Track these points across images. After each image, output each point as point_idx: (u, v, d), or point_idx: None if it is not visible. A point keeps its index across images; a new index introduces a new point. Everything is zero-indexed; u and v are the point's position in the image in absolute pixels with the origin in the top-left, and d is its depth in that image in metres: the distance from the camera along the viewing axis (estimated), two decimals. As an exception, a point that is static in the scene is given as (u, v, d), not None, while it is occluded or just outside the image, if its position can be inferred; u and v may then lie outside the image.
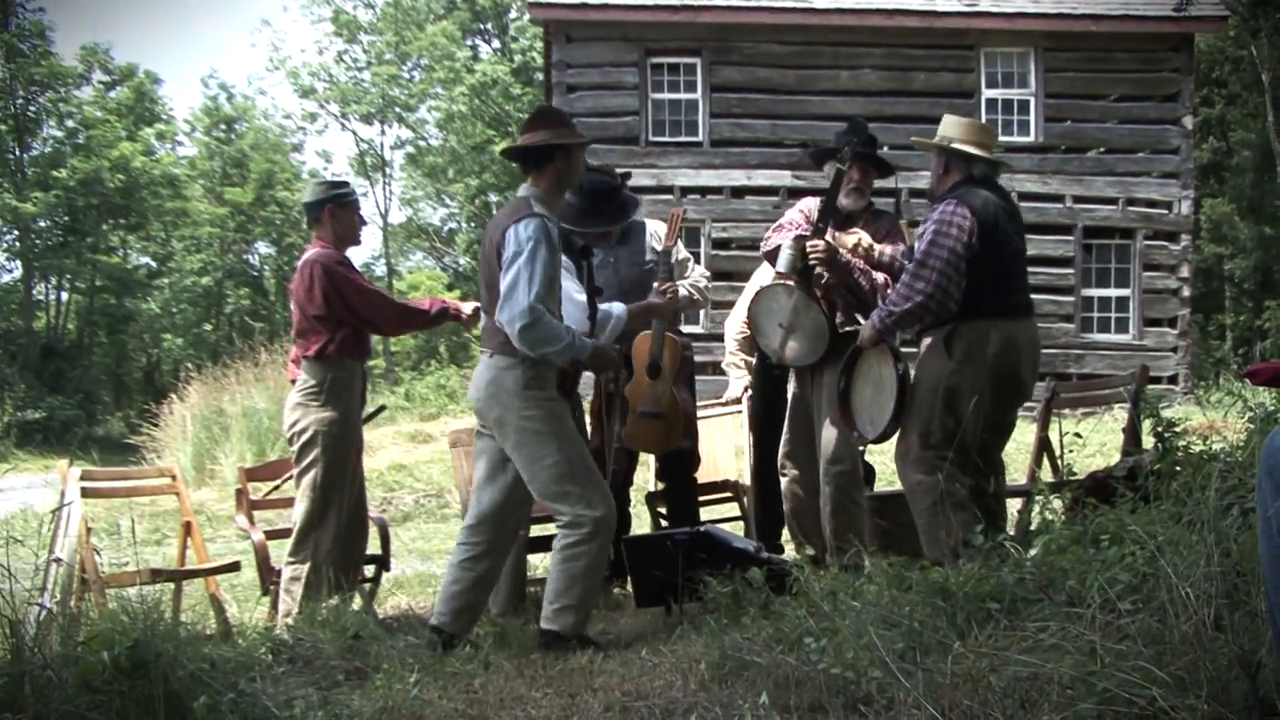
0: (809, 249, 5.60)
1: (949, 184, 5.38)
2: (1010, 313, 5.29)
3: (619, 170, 6.40)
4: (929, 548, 5.16)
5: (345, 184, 6.23)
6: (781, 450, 6.07)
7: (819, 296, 5.71)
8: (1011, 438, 5.71)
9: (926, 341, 5.37)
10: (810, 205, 5.98)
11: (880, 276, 5.62)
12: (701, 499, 6.74)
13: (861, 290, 5.65)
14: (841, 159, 5.64)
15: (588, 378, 5.48)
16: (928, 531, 5.20)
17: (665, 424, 6.05)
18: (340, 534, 5.69)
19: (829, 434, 5.76)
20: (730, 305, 7.41)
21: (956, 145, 5.40)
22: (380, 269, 44.99)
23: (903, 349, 5.56)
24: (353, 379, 5.82)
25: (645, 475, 7.24)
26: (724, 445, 7.56)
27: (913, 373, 5.41)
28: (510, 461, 4.96)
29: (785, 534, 6.62)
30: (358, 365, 5.89)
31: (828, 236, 5.65)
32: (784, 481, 6.06)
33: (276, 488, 6.63)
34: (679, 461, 6.35)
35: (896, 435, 5.43)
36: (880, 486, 7.03)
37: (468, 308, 5.96)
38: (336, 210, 5.88)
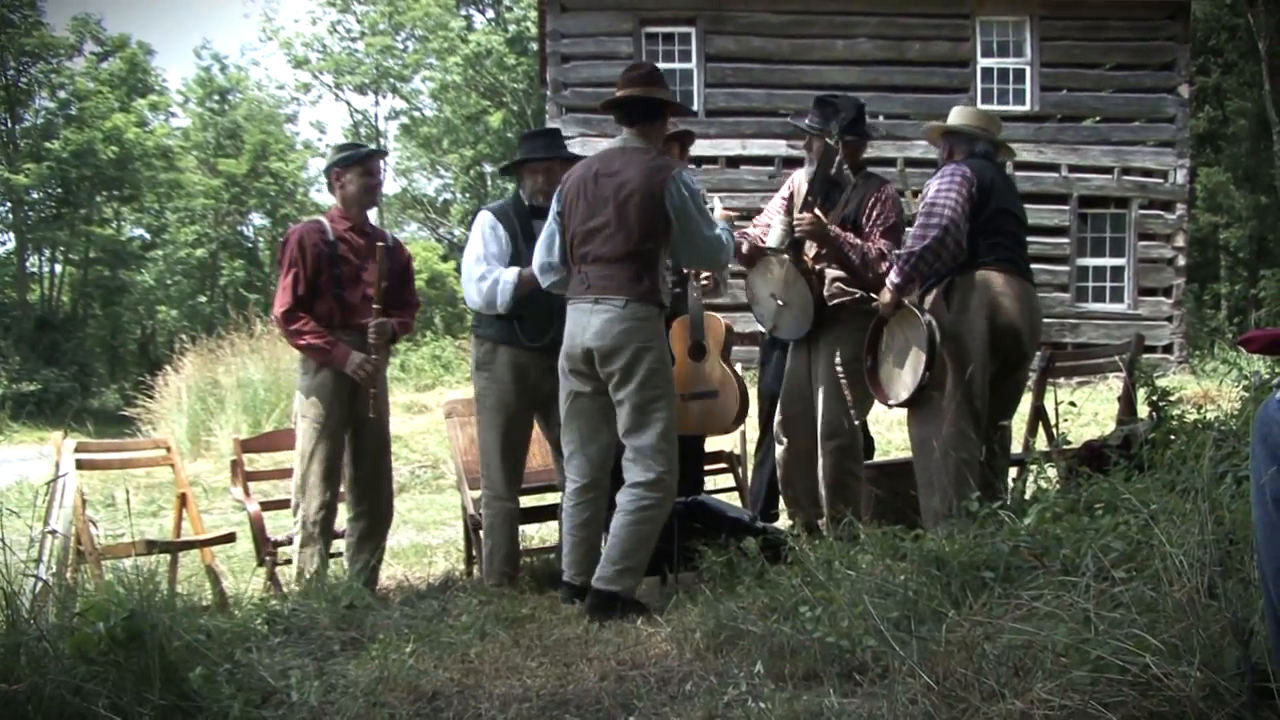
0: (796, 223, 5.63)
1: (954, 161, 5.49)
2: (1004, 267, 5.38)
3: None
4: (924, 502, 5.21)
5: (354, 146, 6.14)
6: (776, 419, 6.09)
7: (810, 270, 5.73)
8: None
9: (928, 300, 5.42)
10: (798, 181, 6.01)
11: (871, 248, 5.61)
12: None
13: (851, 263, 5.64)
14: (830, 135, 5.67)
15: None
16: (926, 487, 5.24)
17: (721, 402, 6.00)
18: (325, 504, 5.72)
19: (826, 407, 5.77)
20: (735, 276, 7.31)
21: (959, 128, 5.57)
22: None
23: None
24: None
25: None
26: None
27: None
28: (612, 415, 5.02)
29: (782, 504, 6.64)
30: (353, 336, 5.75)
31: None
32: (777, 450, 6.08)
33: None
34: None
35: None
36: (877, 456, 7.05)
37: (353, 362, 5.67)
38: (341, 173, 5.84)
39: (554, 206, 5.17)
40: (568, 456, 5.19)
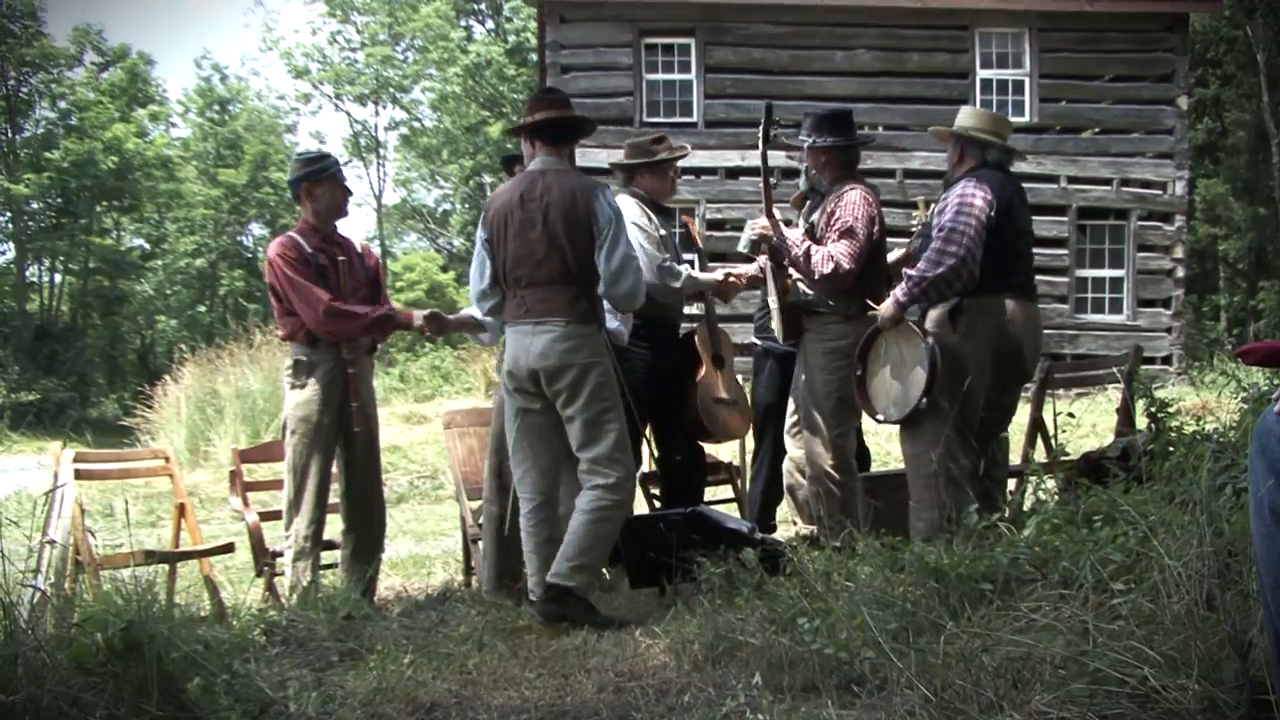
0: (750, 227, 5.84)
1: (964, 169, 5.42)
2: (1014, 290, 5.36)
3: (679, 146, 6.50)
4: (916, 519, 5.21)
5: (321, 157, 6.06)
6: (786, 425, 6.14)
7: (783, 275, 5.81)
8: (1006, 418, 5.74)
9: (932, 315, 5.39)
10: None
11: (817, 251, 5.61)
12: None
13: (797, 265, 5.70)
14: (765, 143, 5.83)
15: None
16: (919, 503, 5.25)
17: (740, 410, 6.20)
18: (316, 518, 5.70)
19: (807, 419, 5.81)
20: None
21: (972, 133, 5.44)
22: (375, 251, 44.87)
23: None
24: (322, 362, 5.72)
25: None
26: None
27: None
28: (560, 430, 5.08)
29: (779, 515, 6.66)
30: (333, 349, 5.73)
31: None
32: (786, 459, 6.14)
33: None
34: (690, 444, 6.36)
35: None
36: (875, 467, 7.05)
37: (418, 317, 5.84)
38: (312, 188, 5.79)
39: (480, 234, 5.17)
40: (520, 475, 5.20)
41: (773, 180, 5.98)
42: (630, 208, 6.11)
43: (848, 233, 5.60)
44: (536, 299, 4.99)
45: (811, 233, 5.74)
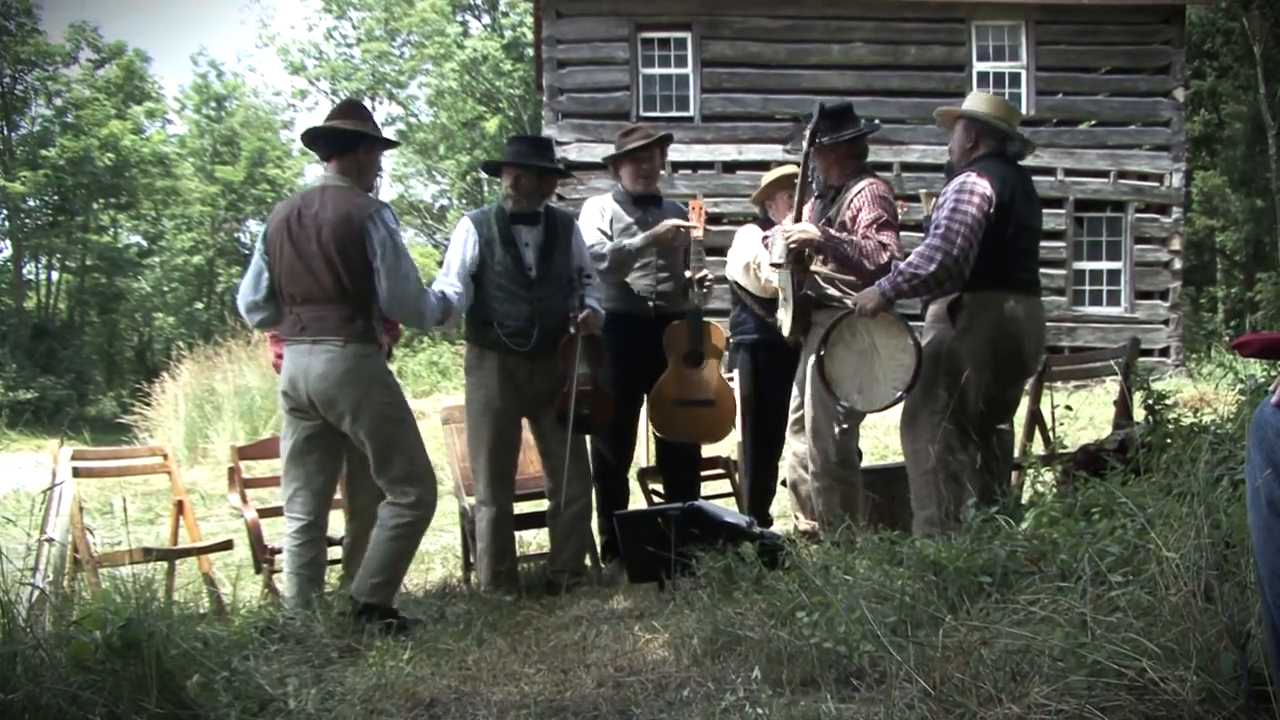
0: (785, 234, 5.67)
1: (975, 156, 5.35)
2: (1016, 287, 5.30)
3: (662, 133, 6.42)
4: (918, 514, 5.21)
5: None
6: (789, 420, 6.13)
7: (804, 271, 5.78)
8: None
9: (932, 310, 5.39)
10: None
11: (867, 242, 5.57)
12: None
13: (851, 260, 5.63)
14: (801, 143, 5.75)
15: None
16: (919, 498, 5.24)
17: (717, 411, 6.10)
18: None
19: (811, 411, 5.80)
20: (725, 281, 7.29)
21: (989, 118, 5.37)
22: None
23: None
24: None
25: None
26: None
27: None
28: (339, 450, 5.17)
29: (775, 509, 6.66)
30: None
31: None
32: (787, 452, 6.15)
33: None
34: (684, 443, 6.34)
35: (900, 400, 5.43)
36: (869, 460, 7.05)
37: None
38: None
39: (259, 245, 5.16)
40: (293, 493, 5.20)
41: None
42: (589, 211, 6.14)
43: (885, 225, 5.63)
44: (311, 316, 4.97)
45: (841, 225, 5.72)
